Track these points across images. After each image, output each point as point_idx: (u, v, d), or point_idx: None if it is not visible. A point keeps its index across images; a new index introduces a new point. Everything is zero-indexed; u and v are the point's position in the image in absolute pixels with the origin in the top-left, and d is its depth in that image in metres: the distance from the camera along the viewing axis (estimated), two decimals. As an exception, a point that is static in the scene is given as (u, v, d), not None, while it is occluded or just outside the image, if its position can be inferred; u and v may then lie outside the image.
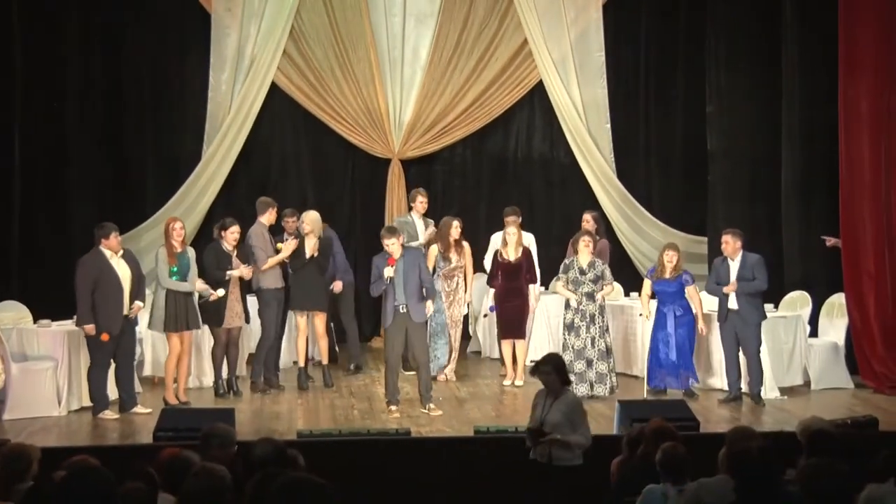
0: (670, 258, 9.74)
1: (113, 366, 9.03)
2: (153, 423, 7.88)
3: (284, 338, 10.55)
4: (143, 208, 11.96)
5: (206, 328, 9.78)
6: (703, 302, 10.39)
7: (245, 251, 9.75)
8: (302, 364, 10.17)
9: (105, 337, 8.74)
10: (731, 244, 9.47)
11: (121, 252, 8.96)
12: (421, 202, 11.00)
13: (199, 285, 9.33)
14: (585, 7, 12.53)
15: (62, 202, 11.47)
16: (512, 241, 10.36)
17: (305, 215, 10.16)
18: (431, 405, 9.01)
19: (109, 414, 8.85)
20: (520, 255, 10.32)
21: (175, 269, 9.19)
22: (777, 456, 4.65)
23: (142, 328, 9.60)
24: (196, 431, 7.42)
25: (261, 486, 4.40)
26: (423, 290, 9.02)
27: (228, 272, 9.50)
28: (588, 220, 10.68)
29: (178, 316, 9.18)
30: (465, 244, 10.53)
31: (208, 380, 10.09)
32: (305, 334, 10.23)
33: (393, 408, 9.04)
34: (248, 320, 9.88)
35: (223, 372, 9.79)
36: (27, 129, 11.11)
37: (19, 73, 11.01)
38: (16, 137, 10.97)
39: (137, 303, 8.99)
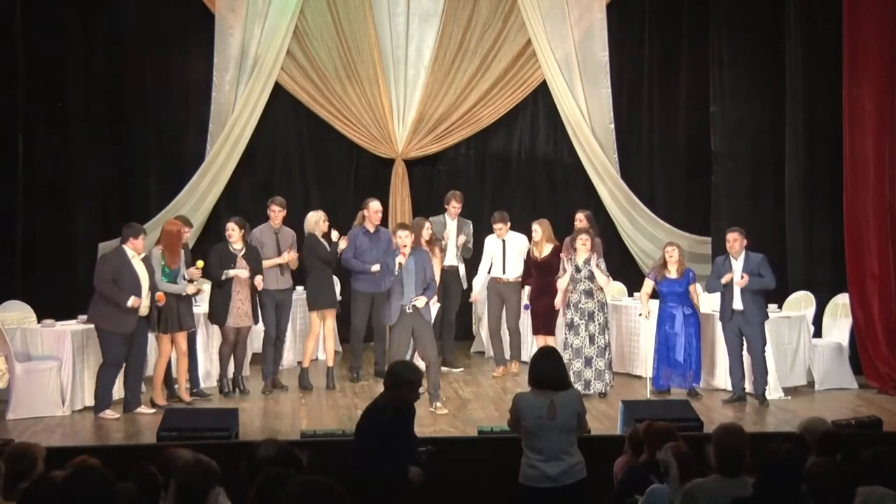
0: (671, 253, 9.73)
1: (123, 365, 9.02)
2: (157, 423, 7.89)
3: (290, 338, 10.57)
4: (147, 208, 11.96)
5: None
6: (709, 303, 10.40)
7: (251, 252, 9.75)
8: (306, 364, 10.17)
9: (136, 302, 8.72)
10: (739, 241, 9.43)
11: (142, 255, 8.99)
12: (454, 207, 10.97)
13: (191, 287, 9.27)
14: (589, 7, 12.51)
15: (66, 202, 11.48)
16: (537, 238, 10.43)
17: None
18: (438, 404, 9.03)
19: (110, 413, 8.85)
20: (548, 252, 10.35)
21: (168, 271, 9.15)
22: (802, 458, 4.61)
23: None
24: (199, 431, 7.50)
25: (264, 486, 4.40)
26: (425, 288, 9.07)
27: (226, 272, 9.50)
28: (581, 220, 10.66)
29: (169, 318, 9.15)
30: (437, 249, 10.51)
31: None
32: (316, 336, 10.25)
33: None
34: (256, 321, 9.88)
35: (229, 371, 9.81)
36: (30, 128, 11.12)
37: (22, 72, 11.02)
38: (19, 137, 10.98)
39: (160, 292, 8.97)
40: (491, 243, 10.91)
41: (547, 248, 10.38)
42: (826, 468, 4.48)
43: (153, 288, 8.97)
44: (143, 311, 8.92)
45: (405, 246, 9.05)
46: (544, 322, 10.45)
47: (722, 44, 11.78)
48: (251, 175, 12.58)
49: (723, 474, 4.91)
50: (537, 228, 10.46)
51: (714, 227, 12.00)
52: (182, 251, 9.41)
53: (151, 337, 9.35)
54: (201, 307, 9.90)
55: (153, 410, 8.95)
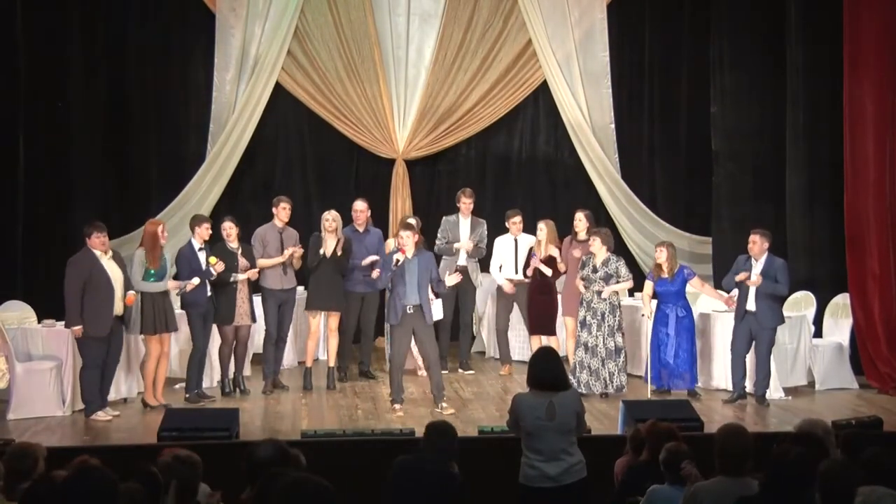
0: (658, 255, 9.76)
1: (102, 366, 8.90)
2: (157, 423, 7.87)
3: (291, 338, 10.57)
4: (147, 208, 11.93)
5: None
6: (709, 303, 10.41)
7: (247, 250, 9.76)
8: (309, 364, 10.17)
9: (77, 332, 8.67)
10: (758, 244, 9.42)
11: (110, 253, 8.90)
12: (465, 203, 10.95)
13: (171, 283, 9.23)
14: (590, 7, 12.52)
15: (66, 202, 11.48)
16: (542, 237, 10.44)
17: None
18: (444, 404, 9.03)
19: (102, 415, 8.77)
20: (550, 253, 10.37)
21: (153, 271, 9.10)
22: (812, 460, 4.59)
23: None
24: (200, 431, 7.50)
25: (265, 487, 4.40)
26: (432, 290, 9.05)
27: (234, 276, 9.50)
28: (581, 219, 10.65)
29: (156, 318, 9.11)
30: None
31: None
32: (317, 336, 10.24)
33: (397, 406, 9.06)
34: (254, 319, 9.88)
35: (230, 371, 9.81)
36: (31, 129, 11.12)
37: (23, 73, 11.02)
38: (20, 137, 10.98)
39: (130, 293, 8.91)
40: (502, 243, 10.88)
41: (550, 249, 10.39)
42: (840, 469, 4.46)
43: (127, 286, 8.90)
44: (118, 311, 8.82)
45: (406, 246, 9.03)
46: (542, 322, 10.46)
47: (722, 44, 11.79)
48: (252, 175, 12.58)
49: (726, 475, 4.90)
50: (543, 227, 10.48)
51: (715, 227, 12.01)
52: (202, 252, 9.41)
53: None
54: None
55: (116, 413, 8.90)
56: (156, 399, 9.21)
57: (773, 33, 11.42)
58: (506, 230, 10.94)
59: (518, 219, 10.83)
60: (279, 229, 10.03)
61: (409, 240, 9.04)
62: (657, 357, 9.73)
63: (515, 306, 10.86)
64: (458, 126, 12.65)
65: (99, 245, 8.80)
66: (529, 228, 10.92)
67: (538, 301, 10.47)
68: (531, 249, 10.59)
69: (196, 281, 9.27)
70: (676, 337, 9.65)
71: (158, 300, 9.13)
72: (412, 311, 8.99)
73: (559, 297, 10.61)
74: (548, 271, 10.32)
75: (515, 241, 10.83)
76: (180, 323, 9.66)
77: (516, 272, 10.76)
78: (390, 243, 10.49)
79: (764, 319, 9.35)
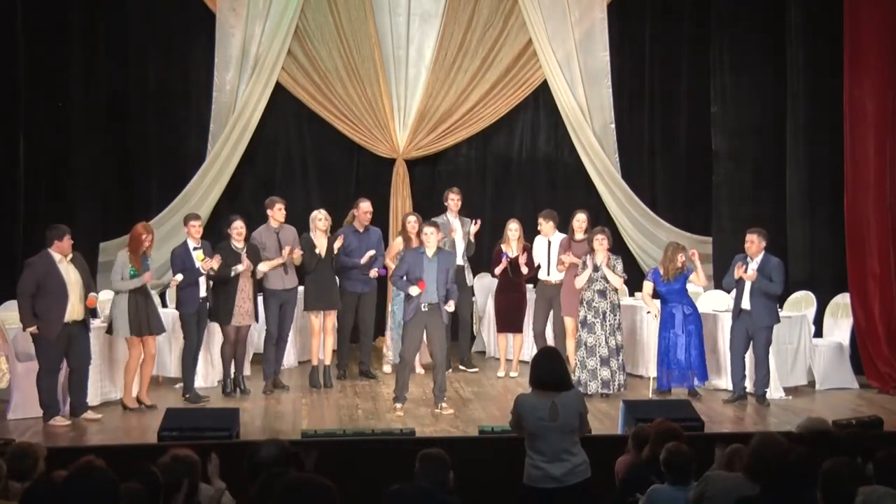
0: (681, 257, 9.69)
1: (67, 370, 8.81)
2: (157, 422, 7.87)
3: (291, 338, 10.57)
4: (148, 208, 11.95)
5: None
6: (709, 303, 10.41)
7: (252, 249, 9.75)
8: (314, 363, 10.19)
9: (33, 332, 8.59)
10: (755, 243, 9.43)
11: (70, 256, 8.75)
12: (453, 200, 10.96)
13: (146, 276, 9.10)
14: (590, 7, 12.51)
15: (66, 202, 11.45)
16: (514, 237, 10.45)
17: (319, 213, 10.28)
18: (444, 405, 9.02)
19: (61, 420, 8.61)
20: (519, 251, 10.36)
21: (133, 271, 9.02)
22: (814, 461, 4.59)
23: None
24: (200, 431, 7.51)
25: (266, 487, 4.40)
26: (447, 290, 9.02)
27: (234, 269, 9.49)
28: (582, 220, 10.61)
29: (140, 320, 9.03)
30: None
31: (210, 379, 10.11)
32: (319, 335, 10.24)
33: (398, 405, 9.03)
34: (257, 319, 9.88)
35: (230, 370, 9.80)
36: (31, 129, 11.10)
37: (23, 73, 11.01)
38: (20, 137, 10.97)
39: (92, 294, 8.83)
40: (539, 244, 10.83)
41: (518, 248, 10.44)
42: (843, 470, 4.46)
43: (87, 289, 8.78)
44: (77, 315, 8.69)
45: (429, 244, 8.99)
46: (508, 320, 10.51)
47: (723, 44, 11.81)
48: (252, 175, 12.59)
49: (747, 475, 4.92)
50: (517, 228, 10.49)
51: (715, 227, 12.02)
52: (197, 251, 9.38)
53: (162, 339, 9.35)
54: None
55: (99, 416, 8.83)
56: (135, 401, 9.14)
57: (773, 33, 11.43)
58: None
59: (539, 221, 10.75)
60: (275, 230, 10.03)
61: (433, 237, 9.01)
62: (665, 360, 9.70)
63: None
64: (458, 126, 12.65)
65: (67, 248, 8.69)
66: (530, 226, 10.88)
67: (506, 299, 10.51)
68: (497, 250, 10.58)
69: (179, 277, 9.25)
70: (686, 335, 9.64)
71: (141, 302, 9.07)
72: (426, 308, 8.95)
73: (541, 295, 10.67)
74: (524, 269, 10.35)
75: (549, 242, 10.75)
76: (174, 323, 9.67)
77: (548, 273, 10.61)
78: (398, 242, 10.52)
79: (759, 318, 9.36)
